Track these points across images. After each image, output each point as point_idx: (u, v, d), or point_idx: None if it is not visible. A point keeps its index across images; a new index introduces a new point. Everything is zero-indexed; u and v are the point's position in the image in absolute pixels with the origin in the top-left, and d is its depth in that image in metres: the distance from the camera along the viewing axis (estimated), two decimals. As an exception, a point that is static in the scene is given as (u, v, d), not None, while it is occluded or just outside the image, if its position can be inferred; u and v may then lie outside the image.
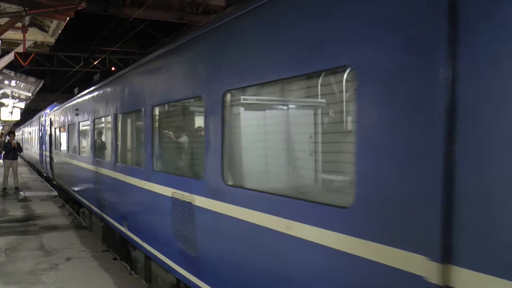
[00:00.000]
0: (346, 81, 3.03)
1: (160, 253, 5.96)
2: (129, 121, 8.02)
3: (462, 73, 2.11)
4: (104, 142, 9.85)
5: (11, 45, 15.17)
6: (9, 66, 17.41)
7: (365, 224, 2.60)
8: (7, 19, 11.95)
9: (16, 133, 21.69)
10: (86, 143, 11.32)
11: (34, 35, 14.94)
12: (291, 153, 4.04)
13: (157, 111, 6.15)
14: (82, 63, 25.29)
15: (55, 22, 13.73)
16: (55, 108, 18.02)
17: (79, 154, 11.99)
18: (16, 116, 32.29)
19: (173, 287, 5.79)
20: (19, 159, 21.06)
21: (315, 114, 3.80)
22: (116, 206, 8.34)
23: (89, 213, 11.27)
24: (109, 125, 8.66)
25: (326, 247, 2.86)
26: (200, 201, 4.64)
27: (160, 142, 6.21)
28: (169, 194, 5.41)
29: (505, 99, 1.95)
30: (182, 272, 5.21)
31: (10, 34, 13.82)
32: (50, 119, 18.86)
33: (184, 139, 6.02)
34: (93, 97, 10.37)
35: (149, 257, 6.63)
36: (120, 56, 25.53)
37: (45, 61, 25.00)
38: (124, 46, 21.53)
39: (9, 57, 14.89)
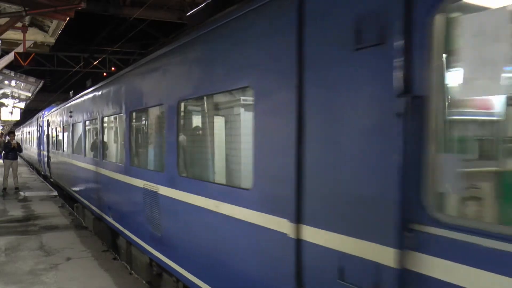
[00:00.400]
0: (248, 96, 4.19)
1: (137, 237, 6.96)
2: (112, 124, 9.03)
3: (307, 96, 3.17)
4: (93, 142, 10.56)
5: (11, 45, 15.18)
6: (9, 66, 17.42)
7: (259, 201, 3.72)
8: (7, 19, 11.96)
9: (15, 133, 21.70)
10: (78, 143, 12.10)
11: (34, 35, 14.95)
12: (218, 150, 5.18)
13: (133, 115, 7.36)
14: (82, 63, 25.29)
15: (55, 22, 13.75)
16: (52, 110, 18.82)
17: (73, 153, 12.87)
18: (16, 116, 32.31)
19: (147, 266, 6.87)
20: (19, 159, 21.06)
21: (232, 121, 5.01)
22: (103, 199, 9.29)
23: (82, 207, 12.25)
24: (97, 127, 9.57)
25: (239, 220, 3.99)
26: (163, 190, 5.71)
27: (135, 142, 7.45)
28: (142, 186, 6.45)
29: (331, 114, 2.99)
30: (152, 252, 6.23)
31: (10, 34, 13.83)
32: (48, 120, 19.79)
33: (152, 139, 7.09)
34: (83, 101, 11.37)
35: (130, 242, 7.61)
36: (120, 56, 25.53)
37: (45, 61, 24.99)
38: (124, 46, 21.56)
39: (9, 57, 14.90)
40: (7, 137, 20.20)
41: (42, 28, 15.07)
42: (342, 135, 2.91)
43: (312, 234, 3.13)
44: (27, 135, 34.94)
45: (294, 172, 3.24)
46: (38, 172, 26.80)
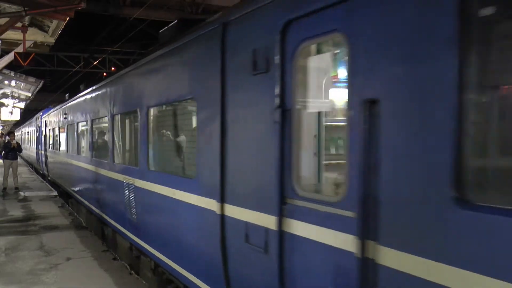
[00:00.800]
0: (193, 106, 5.10)
1: (120, 225, 7.97)
2: (100, 125, 9.84)
3: (227, 107, 4.20)
4: (85, 141, 11.47)
5: (11, 45, 15.18)
6: (9, 66, 17.43)
7: (201, 187, 4.73)
8: (7, 19, 11.96)
9: (15, 133, 21.71)
10: (73, 143, 13.02)
11: (34, 35, 14.95)
12: (174, 148, 6.35)
13: (115, 118, 8.37)
14: (82, 63, 25.29)
15: (55, 22, 13.75)
16: (49, 112, 19.81)
17: (68, 152, 13.85)
18: (16, 116, 32.33)
19: (128, 250, 7.93)
20: (19, 159, 21.07)
21: (184, 125, 6.01)
22: (93, 193, 10.17)
23: (77, 203, 13.15)
24: (88, 129, 10.65)
25: (189, 204, 4.98)
26: (138, 182, 6.79)
27: (118, 141, 8.46)
28: (122, 179, 7.52)
29: (239, 122, 4.07)
30: (131, 236, 7.28)
31: (10, 34, 13.83)
32: (45, 121, 20.66)
33: (130, 139, 8.10)
34: (76, 104, 12.40)
35: (114, 230, 8.58)
36: (120, 56, 25.54)
37: (45, 61, 24.99)
38: (124, 46, 21.56)
39: (9, 57, 14.90)
40: (7, 137, 20.21)
41: (42, 28, 15.08)
42: (245, 138, 3.96)
43: (230, 210, 4.17)
44: (26, 135, 36.03)
45: (219, 165, 4.26)
46: (37, 171, 27.41)
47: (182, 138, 6.06)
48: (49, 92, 33.28)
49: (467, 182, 2.15)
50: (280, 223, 3.41)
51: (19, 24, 12.95)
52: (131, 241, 7.40)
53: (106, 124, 8.89)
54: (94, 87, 10.16)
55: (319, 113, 3.78)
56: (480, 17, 2.19)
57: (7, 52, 15.33)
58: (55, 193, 18.31)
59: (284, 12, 3.40)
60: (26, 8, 10.83)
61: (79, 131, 12.05)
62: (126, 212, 7.31)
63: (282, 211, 3.40)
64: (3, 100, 29.48)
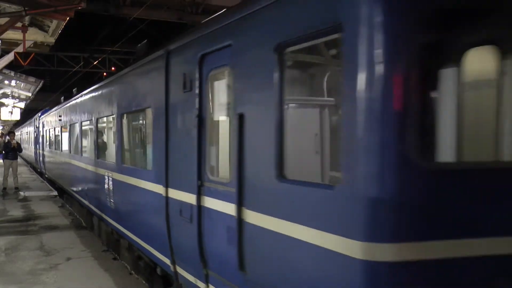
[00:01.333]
0: (150, 114, 6.32)
1: (103, 213, 9.18)
2: (87, 127, 11.09)
3: (168, 116, 5.51)
4: (76, 141, 12.52)
5: (11, 45, 15.17)
6: (9, 66, 17.43)
7: (155, 176, 5.98)
8: (7, 19, 11.96)
9: (15, 133, 21.72)
10: (66, 142, 14.34)
11: (34, 35, 14.95)
12: (138, 147, 7.87)
13: (99, 121, 9.72)
14: (82, 63, 25.28)
15: (55, 22, 13.75)
16: (46, 113, 21.12)
17: (61, 150, 15.29)
18: (16, 116, 32.34)
19: (109, 234, 9.28)
20: (19, 159, 21.07)
21: (145, 128, 7.14)
22: (82, 187, 11.52)
23: (70, 197, 14.39)
24: (77, 130, 12.04)
25: (148, 190, 6.24)
26: (115, 175, 8.09)
27: (100, 141, 9.82)
28: (104, 173, 8.79)
29: (176, 126, 5.38)
30: (111, 222, 8.58)
31: (10, 34, 13.83)
32: (42, 122, 21.90)
33: (109, 139, 9.55)
34: (68, 107, 13.84)
35: (100, 218, 9.78)
36: (120, 56, 25.53)
37: (45, 61, 24.97)
38: (124, 46, 21.54)
39: (9, 57, 14.90)
40: (7, 137, 20.21)
41: (42, 28, 15.08)
42: (179, 139, 5.30)
43: (171, 193, 5.44)
44: (26, 135, 36.97)
45: (164, 159, 5.55)
46: (35, 170, 28.49)
47: (144, 138, 7.35)
48: (49, 92, 33.26)
49: (284, 166, 3.43)
50: (198, 200, 4.71)
51: (19, 24, 12.95)
52: (111, 226, 8.70)
53: (92, 127, 10.19)
54: (81, 95, 11.79)
55: (219, 122, 4.94)
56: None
57: (7, 52, 15.33)
58: (55, 193, 18.31)
59: (201, 48, 4.72)
60: (26, 8, 10.83)
61: (71, 133, 13.29)
62: (107, 201, 8.66)
63: (200, 191, 4.69)
64: (3, 100, 29.49)
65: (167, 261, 5.72)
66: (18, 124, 50.47)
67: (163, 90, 5.57)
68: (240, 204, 3.88)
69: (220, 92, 4.63)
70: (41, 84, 24.81)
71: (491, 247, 2.70)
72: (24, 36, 13.60)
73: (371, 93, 2.62)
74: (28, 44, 14.26)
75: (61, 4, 10.88)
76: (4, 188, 18.63)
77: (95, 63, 25.10)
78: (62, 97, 16.77)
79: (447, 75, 2.93)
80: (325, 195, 2.97)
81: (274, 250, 3.56)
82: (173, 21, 15.67)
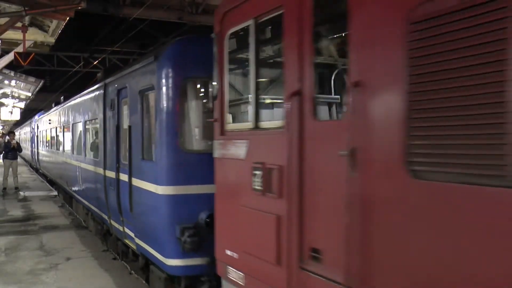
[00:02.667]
0: (96, 123, 9.78)
1: (80, 197, 11.94)
2: (69, 130, 13.96)
3: (106, 123, 8.95)
4: (59, 141, 16.06)
5: (11, 45, 15.15)
6: (9, 66, 17.40)
7: (100, 163, 8.99)
8: (7, 19, 11.94)
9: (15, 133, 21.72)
10: (55, 142, 17.41)
11: (34, 35, 14.93)
12: (93, 144, 10.57)
13: (74, 126, 13.02)
14: (82, 63, 25.25)
15: (55, 22, 13.73)
16: (40, 117, 24.42)
17: (50, 148, 18.96)
18: (16, 116, 32.30)
19: (82, 209, 12.39)
20: (18, 159, 21.07)
21: (99, 131, 9.40)
22: (65, 177, 14.59)
23: (59, 188, 17.81)
24: (61, 132, 15.70)
25: (99, 174, 9.07)
26: (82, 165, 11.31)
27: (75, 140, 12.87)
28: (77, 164, 12.03)
29: (111, 132, 8.60)
30: (84, 201, 11.45)
31: (10, 34, 13.81)
32: (37, 124, 25.22)
33: (80, 139, 12.07)
34: (55, 113, 17.47)
35: (77, 201, 12.85)
36: (120, 56, 25.47)
37: (45, 61, 24.91)
38: (124, 46, 21.50)
39: (9, 57, 14.87)
40: (7, 137, 20.20)
41: (42, 28, 15.06)
42: (111, 139, 8.19)
43: (107, 173, 8.48)
44: (24, 135, 39.58)
45: (103, 152, 8.68)
46: (31, 166, 32.95)
47: (98, 139, 9.80)
48: (49, 92, 33.18)
49: (143, 153, 6.67)
50: (117, 175, 7.78)
51: (19, 24, 12.93)
52: (82, 204, 11.90)
53: (69, 130, 13.77)
54: (63, 105, 15.41)
55: (126, 129, 7.45)
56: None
57: (7, 52, 15.30)
58: (55, 193, 18.31)
59: (118, 86, 7.96)
60: (26, 8, 10.81)
61: (57, 134, 16.94)
62: (80, 186, 11.78)
63: (118, 170, 7.77)
64: (3, 100, 29.45)
65: (106, 217, 8.87)
66: (18, 124, 50.53)
67: (102, 108, 8.98)
68: (130, 175, 7.05)
69: (125, 112, 7.66)
70: (41, 84, 24.78)
71: (203, 189, 5.62)
72: (24, 36, 13.58)
73: (165, 115, 5.85)
74: (28, 44, 14.24)
75: (61, 4, 10.87)
76: (4, 188, 18.63)
77: (95, 63, 25.06)
78: (53, 103, 20.24)
79: (192, 104, 6.04)
80: (152, 165, 6.23)
81: (140, 196, 6.70)
82: (173, 21, 15.65)
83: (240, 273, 4.44)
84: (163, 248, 5.91)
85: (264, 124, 4.21)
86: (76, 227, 11.80)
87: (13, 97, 28.68)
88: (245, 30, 4.29)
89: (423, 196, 2.55)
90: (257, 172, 4.04)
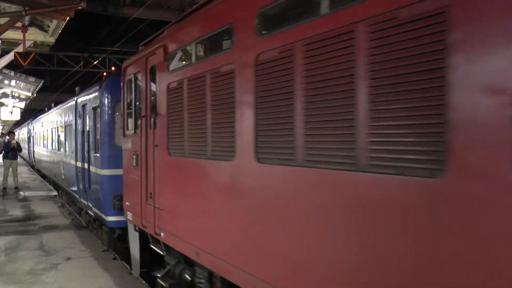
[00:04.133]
0: (71, 126, 13.59)
1: (62, 184, 15.50)
2: (53, 132, 17.82)
3: (76, 127, 12.74)
4: (48, 141, 19.70)
5: (11, 45, 15.16)
6: (9, 66, 17.41)
7: (75, 158, 12.54)
8: (7, 19, 11.94)
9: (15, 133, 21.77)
10: (47, 142, 20.55)
11: (34, 35, 14.92)
12: (68, 142, 14.26)
13: (57, 129, 16.54)
14: (82, 63, 25.28)
15: (55, 21, 13.72)
16: (35, 120, 28.41)
17: (42, 147, 22.49)
18: (16, 116, 32.30)
19: (66, 195, 15.93)
20: (18, 159, 21.09)
21: (71, 133, 13.48)
22: (52, 169, 18.37)
23: (49, 180, 21.83)
24: (50, 133, 19.13)
25: (70, 163, 13.57)
26: (64, 159, 14.84)
27: (58, 140, 16.38)
28: (61, 159, 15.34)
29: (73, 133, 13.22)
30: (65, 187, 15.00)
31: (10, 34, 13.80)
32: (33, 126, 28.91)
33: (62, 139, 15.24)
34: (45, 117, 21.36)
35: (62, 190, 16.37)
36: (120, 56, 25.48)
37: (45, 61, 24.96)
38: (124, 46, 21.53)
39: (9, 57, 14.88)
40: (7, 137, 20.20)
41: (42, 28, 15.05)
42: (79, 139, 11.93)
43: (78, 163, 12.07)
44: (22, 135, 42.43)
45: (75, 148, 12.40)
46: (28, 163, 36.91)
47: (71, 138, 13.04)
48: (49, 92, 33.21)
49: (96, 148, 10.16)
50: (83, 165, 11.32)
51: (19, 24, 12.93)
52: (64, 190, 15.49)
53: (55, 132, 17.32)
54: (52, 111, 19.29)
55: (88, 132, 10.96)
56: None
57: (7, 52, 15.31)
58: (55, 193, 18.32)
59: (82, 102, 11.67)
60: (26, 8, 10.81)
61: (47, 135, 20.14)
62: (61, 174, 15.32)
63: (83, 160, 11.27)
64: (3, 100, 29.45)
65: (77, 196, 12.17)
66: (18, 124, 50.61)
67: (74, 116, 12.51)
68: (88, 164, 10.62)
69: (87, 121, 10.87)
70: (41, 84, 24.80)
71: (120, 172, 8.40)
72: (24, 36, 13.58)
73: (105, 124, 9.51)
74: (28, 44, 14.24)
75: (61, 4, 10.87)
76: (4, 188, 18.63)
77: (95, 63, 25.10)
78: (46, 108, 23.82)
79: (119, 116, 8.95)
80: (98, 156, 9.72)
81: (93, 178, 10.13)
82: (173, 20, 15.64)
83: (129, 212, 7.54)
84: (105, 210, 9.27)
85: (136, 130, 7.07)
86: (76, 227, 11.80)
87: (13, 97, 28.68)
88: (130, 80, 7.45)
89: (264, 174, 3.80)
90: (134, 156, 7.06)
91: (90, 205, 10.64)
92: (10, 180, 19.08)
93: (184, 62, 5.62)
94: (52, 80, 29.06)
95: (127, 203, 7.68)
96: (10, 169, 19.20)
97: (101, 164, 9.47)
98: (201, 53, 5.32)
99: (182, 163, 5.37)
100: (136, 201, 6.97)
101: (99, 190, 9.62)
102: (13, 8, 11.39)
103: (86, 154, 10.90)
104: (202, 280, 5.42)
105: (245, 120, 4.04)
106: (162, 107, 5.92)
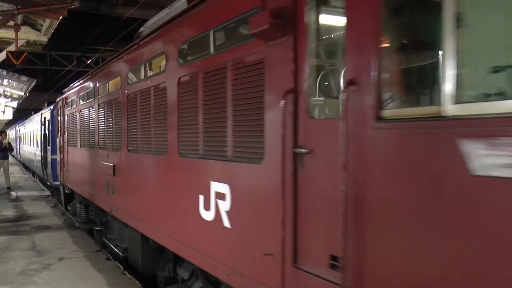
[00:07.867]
0: (48, 124, 19.68)
1: (35, 170, 24.61)
2: (32, 134, 24.20)
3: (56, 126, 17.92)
4: (30, 140, 25.38)
5: (3, 43, 15.08)
6: (1, 65, 17.32)
7: (41, 150, 21.32)
8: (-1, 18, 11.87)
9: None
10: (33, 141, 24.60)
11: (26, 34, 14.86)
12: (46, 141, 20.15)
13: (35, 132, 24.02)
14: (75, 62, 25.17)
15: (48, 21, 13.68)
16: (21, 123, 35.14)
17: (28, 145, 27.10)
18: (8, 115, 32.15)
19: (39, 178, 23.95)
20: (10, 159, 20.98)
21: (38, 135, 22.87)
22: (34, 163, 24.36)
23: (36, 176, 25.77)
24: (32, 135, 25.42)
25: (54, 159, 17.06)
26: (36, 152, 23.45)
27: (36, 140, 23.61)
28: (34, 152, 24.41)
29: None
30: (37, 171, 24.22)
31: (2, 33, 13.75)
32: (19, 128, 35.87)
33: (41, 138, 21.51)
34: (26, 122, 28.50)
35: (37, 175, 24.45)
36: (113, 55, 25.41)
37: (37, 60, 24.80)
38: (117, 45, 21.44)
39: (1, 56, 14.81)
40: (-1, 137, 20.06)
41: (35, 27, 14.99)
42: (48, 139, 19.38)
43: (52, 156, 17.94)
44: (12, 136, 45.89)
45: (42, 144, 20.95)
46: (16, 159, 41.98)
47: (39, 138, 20.48)
48: (41, 91, 33.05)
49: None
50: (45, 155, 19.51)
51: (11, 23, 12.87)
52: (37, 174, 21.47)
53: (34, 134, 22.67)
54: (28, 120, 26.13)
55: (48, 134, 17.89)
56: None
57: (0, 51, 15.23)
58: (48, 192, 18.22)
59: (42, 115, 20.51)
60: (18, 7, 10.76)
61: (33, 135, 24.70)
62: (35, 163, 22.66)
63: (45, 152, 19.38)
64: (-5, 99, 29.29)
65: (43, 175, 20.69)
66: (10, 123, 50.51)
67: (40, 124, 20.76)
68: (45, 153, 19.38)
69: (47, 128, 18.67)
70: (33, 83, 24.71)
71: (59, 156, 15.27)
72: (16, 35, 13.51)
73: (53, 130, 17.72)
74: (20, 43, 14.18)
75: (54, 3, 10.82)
76: (-4, 188, 18.52)
77: (88, 62, 25.00)
78: (32, 112, 29.54)
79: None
80: (49, 149, 18.30)
81: (48, 161, 18.76)
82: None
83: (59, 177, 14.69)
84: (53, 179, 16.58)
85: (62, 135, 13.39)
86: (68, 227, 11.74)
87: (5, 96, 28.53)
88: (59, 107, 13.55)
89: (182, 164, 5.37)
90: (60, 147, 14.25)
91: (46, 177, 19.43)
92: (2, 180, 18.96)
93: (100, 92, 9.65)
94: (45, 80, 28.91)
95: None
96: (1, 168, 19.08)
97: (51, 152, 17.42)
98: (135, 78, 7.47)
99: (87, 152, 10.38)
100: (60, 170, 14.37)
101: (50, 167, 17.47)
102: (5, 6, 11.33)
103: (44, 147, 19.42)
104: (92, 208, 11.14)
105: (172, 126, 5.66)
106: (69, 123, 12.22)
